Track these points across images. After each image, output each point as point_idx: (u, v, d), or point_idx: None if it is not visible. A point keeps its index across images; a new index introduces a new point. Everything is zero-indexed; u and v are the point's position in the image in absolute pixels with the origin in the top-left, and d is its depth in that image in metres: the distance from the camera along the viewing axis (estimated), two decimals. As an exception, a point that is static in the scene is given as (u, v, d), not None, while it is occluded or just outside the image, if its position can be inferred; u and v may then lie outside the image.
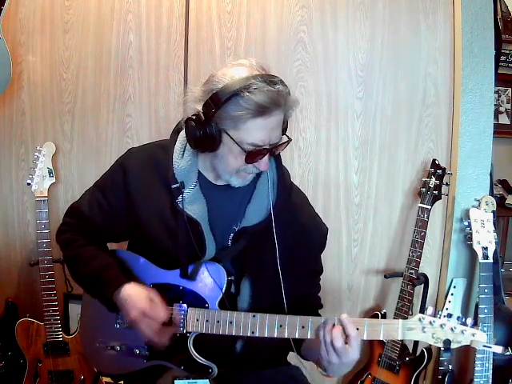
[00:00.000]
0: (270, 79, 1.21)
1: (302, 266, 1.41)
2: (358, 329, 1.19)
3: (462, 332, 1.12)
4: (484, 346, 1.12)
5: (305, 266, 1.42)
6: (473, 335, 1.12)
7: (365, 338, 1.19)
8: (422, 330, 1.15)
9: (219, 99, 1.20)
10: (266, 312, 1.30)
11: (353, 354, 1.19)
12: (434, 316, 1.15)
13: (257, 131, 1.22)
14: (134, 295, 1.30)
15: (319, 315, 1.46)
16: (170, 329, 1.32)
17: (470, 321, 1.13)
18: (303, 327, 1.23)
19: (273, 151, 1.28)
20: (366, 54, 2.24)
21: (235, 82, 1.20)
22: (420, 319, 1.15)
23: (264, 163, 1.27)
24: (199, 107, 1.25)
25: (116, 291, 1.32)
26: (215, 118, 1.22)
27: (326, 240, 1.48)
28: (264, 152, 1.26)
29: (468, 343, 1.12)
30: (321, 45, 2.25)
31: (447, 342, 1.13)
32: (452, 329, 1.13)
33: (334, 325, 1.20)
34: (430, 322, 1.15)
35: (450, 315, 1.14)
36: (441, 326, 1.14)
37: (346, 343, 1.18)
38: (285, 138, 1.32)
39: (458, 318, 1.14)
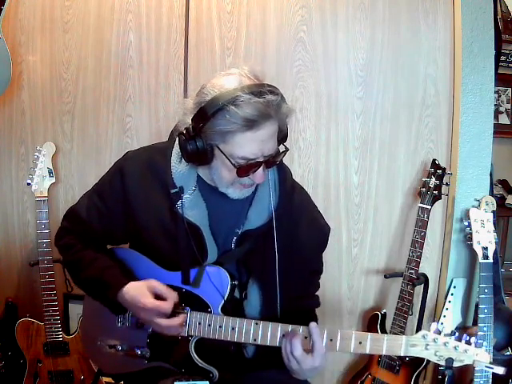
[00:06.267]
0: (258, 90, 1.17)
1: (303, 266, 1.40)
2: (360, 343, 1.19)
3: (465, 351, 1.12)
4: (486, 367, 1.11)
5: (306, 266, 1.42)
6: (476, 355, 1.11)
7: (367, 352, 1.19)
8: (425, 347, 1.14)
9: (206, 113, 1.18)
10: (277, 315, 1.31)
11: (313, 362, 1.20)
12: (439, 329, 1.14)
13: (247, 145, 1.19)
14: (134, 296, 1.29)
15: (315, 315, 1.47)
16: (182, 317, 1.31)
17: (473, 340, 1.12)
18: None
19: (268, 163, 1.26)
20: (366, 54, 2.24)
21: (222, 94, 1.17)
22: (424, 336, 1.14)
23: (259, 176, 1.25)
24: (189, 120, 1.24)
25: (119, 292, 1.31)
26: (204, 132, 1.20)
27: (328, 240, 1.48)
28: (257, 165, 1.23)
29: (470, 362, 1.12)
30: (321, 45, 2.25)
31: (450, 361, 1.12)
32: (455, 347, 1.12)
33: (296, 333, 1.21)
34: (434, 340, 1.14)
35: (454, 333, 1.13)
36: (444, 344, 1.13)
37: (313, 351, 1.19)
38: (282, 148, 1.29)
39: (463, 336, 1.13)
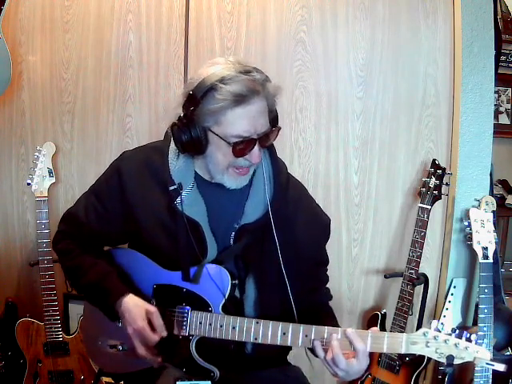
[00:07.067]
0: (243, 69, 1.22)
1: (306, 259, 1.39)
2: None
3: (466, 348, 1.12)
4: (487, 364, 1.11)
5: (309, 259, 1.41)
6: (476, 352, 1.11)
7: (368, 350, 1.19)
8: (425, 344, 1.14)
9: (196, 97, 1.21)
10: (275, 311, 1.31)
11: (359, 365, 1.19)
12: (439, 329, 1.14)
13: (239, 121, 1.22)
14: (132, 311, 1.30)
15: (329, 308, 1.46)
16: (160, 358, 1.32)
17: (474, 337, 1.12)
18: (306, 336, 1.23)
19: (262, 141, 1.27)
20: (366, 54, 2.25)
21: (209, 77, 1.21)
22: (424, 333, 1.14)
23: (255, 155, 1.26)
24: (180, 111, 1.27)
25: (118, 300, 1.31)
26: (196, 117, 1.23)
27: (330, 230, 1.47)
28: (252, 143, 1.25)
29: (471, 360, 1.12)
30: (321, 45, 2.25)
31: (450, 358, 1.12)
32: (456, 344, 1.12)
33: (334, 341, 1.19)
34: (434, 337, 1.13)
35: (454, 330, 1.13)
36: (445, 341, 1.13)
37: (353, 357, 1.18)
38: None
39: (463, 333, 1.13)
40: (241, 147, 1.24)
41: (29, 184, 2.20)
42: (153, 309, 1.30)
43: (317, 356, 1.35)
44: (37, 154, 2.21)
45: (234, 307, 1.34)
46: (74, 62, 2.33)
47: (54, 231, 1.55)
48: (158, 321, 1.30)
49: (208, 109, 1.21)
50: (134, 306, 1.30)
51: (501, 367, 1.12)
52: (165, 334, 1.30)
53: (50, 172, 2.21)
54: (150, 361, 1.32)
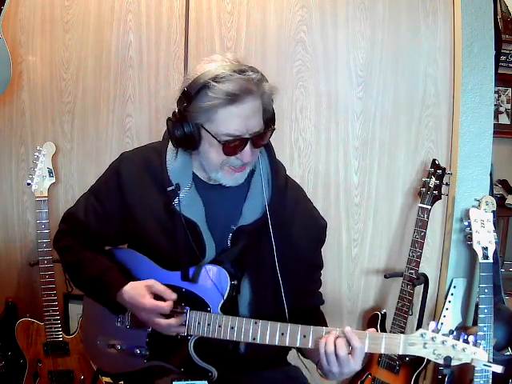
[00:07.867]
0: (238, 68, 1.20)
1: (301, 261, 1.39)
2: None
3: (464, 350, 1.12)
4: (484, 365, 1.11)
5: (304, 262, 1.41)
6: (474, 353, 1.11)
7: (365, 350, 1.19)
8: (423, 345, 1.14)
9: (189, 93, 1.21)
10: (269, 312, 1.30)
11: (355, 364, 1.19)
12: (437, 327, 1.14)
13: (231, 120, 1.21)
14: (134, 298, 1.29)
15: (321, 312, 1.47)
16: (181, 317, 1.31)
17: (471, 338, 1.12)
18: (305, 336, 1.23)
19: (255, 141, 1.26)
20: (366, 54, 2.24)
21: (203, 74, 1.21)
22: (422, 335, 1.14)
23: (246, 154, 1.25)
24: (175, 106, 1.27)
25: (118, 292, 1.31)
26: (190, 114, 1.23)
27: (326, 234, 1.47)
28: (243, 142, 1.24)
29: (469, 361, 1.12)
30: (321, 45, 2.25)
31: (448, 359, 1.12)
32: (453, 346, 1.12)
33: (337, 336, 1.19)
34: (432, 338, 1.13)
35: (452, 331, 1.13)
36: (442, 342, 1.13)
37: (350, 354, 1.18)
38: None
39: (461, 335, 1.13)
40: (231, 146, 1.23)
41: (29, 184, 2.20)
42: (151, 281, 1.30)
43: (305, 357, 1.36)
44: (37, 154, 2.21)
45: (232, 306, 1.34)
46: (74, 62, 2.33)
47: (54, 231, 1.55)
48: (162, 287, 1.29)
49: (200, 106, 1.21)
50: (133, 290, 1.30)
51: (498, 369, 1.12)
52: (174, 296, 1.29)
53: (50, 172, 2.21)
54: (177, 331, 1.30)
